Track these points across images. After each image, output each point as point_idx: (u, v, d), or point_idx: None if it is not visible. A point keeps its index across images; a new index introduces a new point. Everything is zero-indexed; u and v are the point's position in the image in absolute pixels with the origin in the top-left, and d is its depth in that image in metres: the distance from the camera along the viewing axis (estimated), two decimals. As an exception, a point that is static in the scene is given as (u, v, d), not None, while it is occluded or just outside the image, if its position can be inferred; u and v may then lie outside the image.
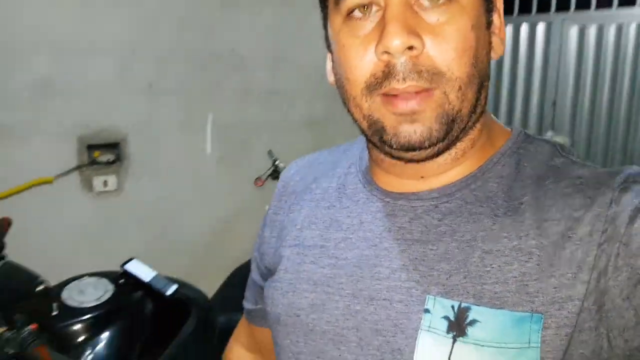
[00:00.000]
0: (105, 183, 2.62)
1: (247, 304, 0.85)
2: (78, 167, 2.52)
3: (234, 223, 3.30)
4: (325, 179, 0.73)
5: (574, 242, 0.52)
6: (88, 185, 2.58)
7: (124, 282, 1.41)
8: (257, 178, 1.45)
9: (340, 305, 0.61)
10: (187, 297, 1.52)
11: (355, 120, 0.60)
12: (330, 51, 0.62)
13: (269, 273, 0.75)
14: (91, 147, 2.54)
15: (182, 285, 1.52)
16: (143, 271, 1.43)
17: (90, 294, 1.29)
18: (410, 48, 0.52)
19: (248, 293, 0.84)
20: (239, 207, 3.33)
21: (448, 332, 0.53)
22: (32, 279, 1.01)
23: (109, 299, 1.35)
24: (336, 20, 0.58)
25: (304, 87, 3.25)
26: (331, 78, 0.63)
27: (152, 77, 2.69)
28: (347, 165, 0.71)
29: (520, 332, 0.51)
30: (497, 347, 0.50)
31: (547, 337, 0.50)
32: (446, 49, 0.52)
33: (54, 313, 1.18)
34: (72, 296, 1.27)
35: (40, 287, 1.00)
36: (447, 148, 0.58)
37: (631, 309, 0.49)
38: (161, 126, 2.81)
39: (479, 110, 0.58)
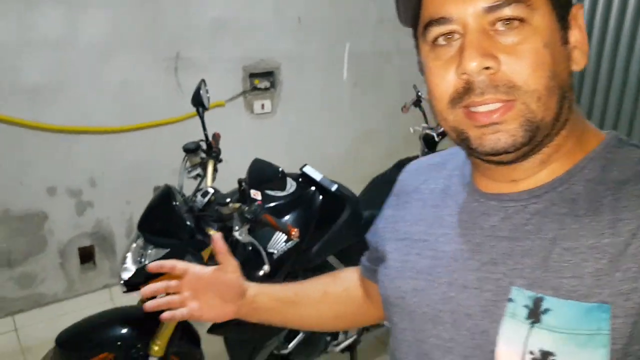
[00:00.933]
0: (262, 106, 3.15)
1: (363, 260, 0.96)
2: (243, 93, 3.06)
3: (364, 142, 3.74)
4: (432, 180, 0.80)
5: (639, 238, 0.56)
6: (250, 107, 3.13)
7: (302, 180, 1.89)
8: (403, 106, 1.78)
9: (438, 291, 0.69)
10: (343, 194, 1.99)
11: (445, 131, 0.67)
12: (422, 74, 0.68)
13: (378, 258, 0.85)
14: (252, 76, 3.05)
15: (340, 185, 1.98)
16: (314, 173, 1.91)
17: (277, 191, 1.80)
18: (487, 68, 0.58)
19: (367, 253, 0.95)
20: (371, 128, 3.75)
21: (527, 318, 0.59)
22: (275, 167, 1.51)
23: (294, 191, 1.85)
24: (424, 47, 0.65)
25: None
26: (427, 96, 0.69)
27: (301, 12, 3.09)
28: (452, 168, 0.77)
29: (590, 320, 0.56)
30: (568, 333, 0.56)
31: (615, 324, 0.55)
32: (521, 65, 0.57)
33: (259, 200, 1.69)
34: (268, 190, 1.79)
35: (281, 173, 1.49)
36: (532, 152, 0.63)
37: None
38: (306, 55, 3.24)
39: (562, 118, 0.62)
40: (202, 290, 0.90)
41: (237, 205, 1.54)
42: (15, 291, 2.68)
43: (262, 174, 1.51)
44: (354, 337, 2.18)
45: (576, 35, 0.64)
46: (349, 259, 2.02)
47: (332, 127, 3.53)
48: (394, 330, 0.76)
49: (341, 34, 3.32)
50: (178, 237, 1.59)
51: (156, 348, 1.69)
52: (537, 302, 0.58)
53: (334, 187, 1.90)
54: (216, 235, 0.92)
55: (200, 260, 1.53)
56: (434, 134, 1.61)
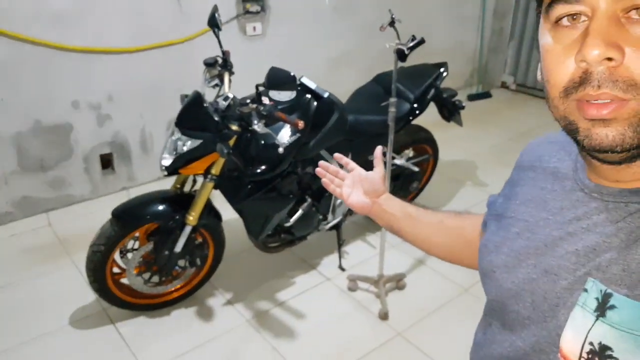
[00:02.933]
0: (254, 28, 3.52)
1: (485, 217, 0.93)
2: (237, 16, 3.42)
3: (344, 60, 4.16)
4: (547, 159, 0.77)
5: None
6: (243, 30, 3.50)
7: (300, 88, 2.36)
8: (380, 26, 2.18)
9: (524, 271, 0.70)
10: (333, 101, 2.47)
11: (555, 119, 0.63)
12: (539, 52, 0.64)
13: (485, 224, 0.89)
14: (245, 0, 3.40)
15: (330, 94, 2.46)
16: (310, 83, 2.37)
17: (284, 94, 2.27)
18: (609, 59, 0.53)
19: (487, 212, 0.93)
20: (349, 48, 4.16)
21: (595, 311, 0.59)
22: (288, 72, 1.96)
23: (294, 97, 2.32)
24: (546, 25, 0.60)
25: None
26: (539, 77, 0.64)
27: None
28: (570, 151, 0.74)
29: None
30: (629, 333, 0.55)
31: None
32: None
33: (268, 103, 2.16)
34: (275, 95, 2.25)
35: (292, 78, 1.95)
36: None
37: None
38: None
39: None
40: (357, 184, 1.13)
41: (255, 105, 2.02)
42: (48, 192, 3.13)
43: (279, 78, 1.97)
44: (340, 218, 2.74)
45: None
46: (336, 151, 2.55)
47: (316, 47, 3.93)
48: (486, 296, 0.79)
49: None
50: (209, 131, 2.07)
51: (191, 218, 2.21)
52: (606, 297, 0.58)
53: (326, 95, 2.38)
54: (378, 150, 1.17)
55: (228, 147, 2.02)
56: (404, 48, 2.06)
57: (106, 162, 3.28)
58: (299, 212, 2.51)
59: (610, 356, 0.56)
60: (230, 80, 2.21)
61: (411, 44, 2.10)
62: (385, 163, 2.18)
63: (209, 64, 2.22)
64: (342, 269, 2.77)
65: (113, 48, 3.01)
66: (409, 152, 3.08)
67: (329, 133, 2.47)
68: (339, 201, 2.68)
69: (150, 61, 3.17)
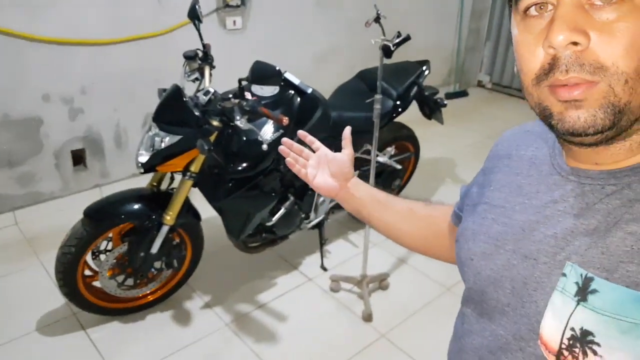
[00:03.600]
0: (234, 22, 3.43)
1: (455, 206, 0.95)
2: (216, 10, 3.32)
3: (328, 56, 4.10)
4: (524, 147, 0.77)
5: None
6: (223, 23, 3.40)
7: (283, 83, 2.28)
8: (366, 22, 2.13)
9: (502, 257, 0.69)
10: (317, 97, 2.40)
11: (531, 107, 0.63)
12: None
13: (455, 216, 0.91)
14: (225, -7, 3.30)
15: (314, 90, 2.39)
16: (293, 79, 2.29)
17: (267, 90, 2.19)
18: (575, 44, 0.54)
19: (458, 202, 0.94)
20: (333, 44, 4.10)
21: (575, 295, 0.58)
22: (272, 66, 1.88)
23: (278, 92, 2.24)
24: (516, 17, 0.62)
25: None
26: (516, 69, 0.65)
27: None
28: (547, 139, 0.74)
29: (636, 308, 0.53)
30: (612, 317, 0.54)
31: None
32: (612, 45, 0.53)
33: (250, 98, 2.08)
34: (258, 90, 2.17)
35: (278, 72, 1.88)
36: (618, 138, 0.59)
37: None
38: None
39: None
40: (323, 165, 1.07)
41: (237, 100, 1.94)
42: (15, 189, 2.97)
43: (263, 72, 1.90)
44: (323, 216, 2.68)
45: None
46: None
47: (298, 43, 3.86)
48: (465, 286, 0.78)
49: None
50: (189, 126, 1.98)
51: (168, 218, 2.12)
52: (587, 281, 0.57)
53: (309, 90, 2.31)
54: (347, 130, 1.11)
55: (209, 144, 1.93)
56: (390, 45, 2.01)
57: (78, 158, 3.14)
58: (282, 211, 2.44)
59: (592, 341, 0.56)
60: (210, 74, 2.12)
61: (397, 41, 2.06)
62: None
63: (189, 57, 2.13)
64: (325, 269, 2.71)
65: (86, 39, 2.88)
66: (391, 150, 3.04)
67: (312, 129, 2.39)
68: (322, 199, 2.61)
69: (127, 53, 3.05)
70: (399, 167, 2.96)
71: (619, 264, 0.56)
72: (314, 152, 1.10)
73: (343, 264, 2.78)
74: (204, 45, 2.13)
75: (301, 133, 1.12)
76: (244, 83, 2.07)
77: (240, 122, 1.91)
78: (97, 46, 2.93)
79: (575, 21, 0.54)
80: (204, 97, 2.02)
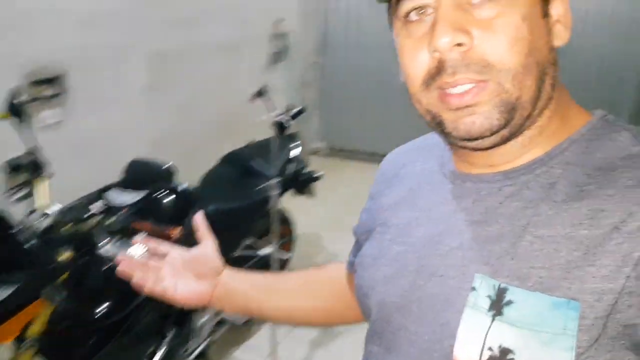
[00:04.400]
0: (50, 116, 2.78)
1: (349, 255, 0.87)
2: (26, 102, 2.65)
3: (163, 145, 3.61)
4: (412, 164, 0.75)
5: (623, 234, 0.50)
6: (35, 118, 2.72)
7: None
8: (251, 96, 1.82)
9: (407, 279, 0.64)
10: (191, 192, 1.93)
11: (420, 115, 0.62)
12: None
13: (351, 265, 0.84)
14: (35, 84, 2.67)
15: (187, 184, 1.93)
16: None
17: (129, 195, 1.65)
18: (459, 45, 0.53)
19: (353, 248, 0.87)
20: (165, 133, 3.63)
21: (489, 310, 0.54)
22: (159, 163, 1.37)
23: (141, 199, 1.72)
24: (397, 24, 0.61)
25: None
26: (402, 78, 0.63)
27: (89, 7, 2.82)
28: (434, 150, 0.72)
29: (555, 317, 0.50)
30: (530, 330, 0.51)
31: (583, 326, 0.50)
32: (496, 41, 0.53)
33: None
34: (117, 196, 1.63)
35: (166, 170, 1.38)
36: (512, 136, 0.58)
37: None
38: (95, 56, 2.97)
39: (544, 97, 0.58)
40: (181, 270, 0.87)
41: (98, 218, 1.39)
42: None
43: (147, 172, 1.41)
44: (206, 340, 2.15)
45: (558, 7, 0.59)
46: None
47: (130, 131, 3.32)
48: (369, 322, 0.72)
49: (131, 34, 3.13)
50: (25, 269, 1.35)
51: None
52: (501, 292, 0.54)
53: (184, 186, 1.86)
54: (198, 214, 0.91)
55: (60, 289, 1.33)
56: (284, 120, 1.70)
57: None
58: (163, 350, 1.85)
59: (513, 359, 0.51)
60: (46, 187, 1.53)
61: (293, 113, 1.76)
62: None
63: (13, 168, 1.53)
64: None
65: None
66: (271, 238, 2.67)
67: (188, 231, 1.92)
68: (201, 320, 2.10)
69: None
70: (288, 255, 2.59)
71: (531, 270, 0.53)
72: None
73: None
74: (32, 150, 1.55)
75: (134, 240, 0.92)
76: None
77: (107, 249, 1.36)
78: None
79: (457, 22, 0.54)
80: (41, 220, 1.43)
